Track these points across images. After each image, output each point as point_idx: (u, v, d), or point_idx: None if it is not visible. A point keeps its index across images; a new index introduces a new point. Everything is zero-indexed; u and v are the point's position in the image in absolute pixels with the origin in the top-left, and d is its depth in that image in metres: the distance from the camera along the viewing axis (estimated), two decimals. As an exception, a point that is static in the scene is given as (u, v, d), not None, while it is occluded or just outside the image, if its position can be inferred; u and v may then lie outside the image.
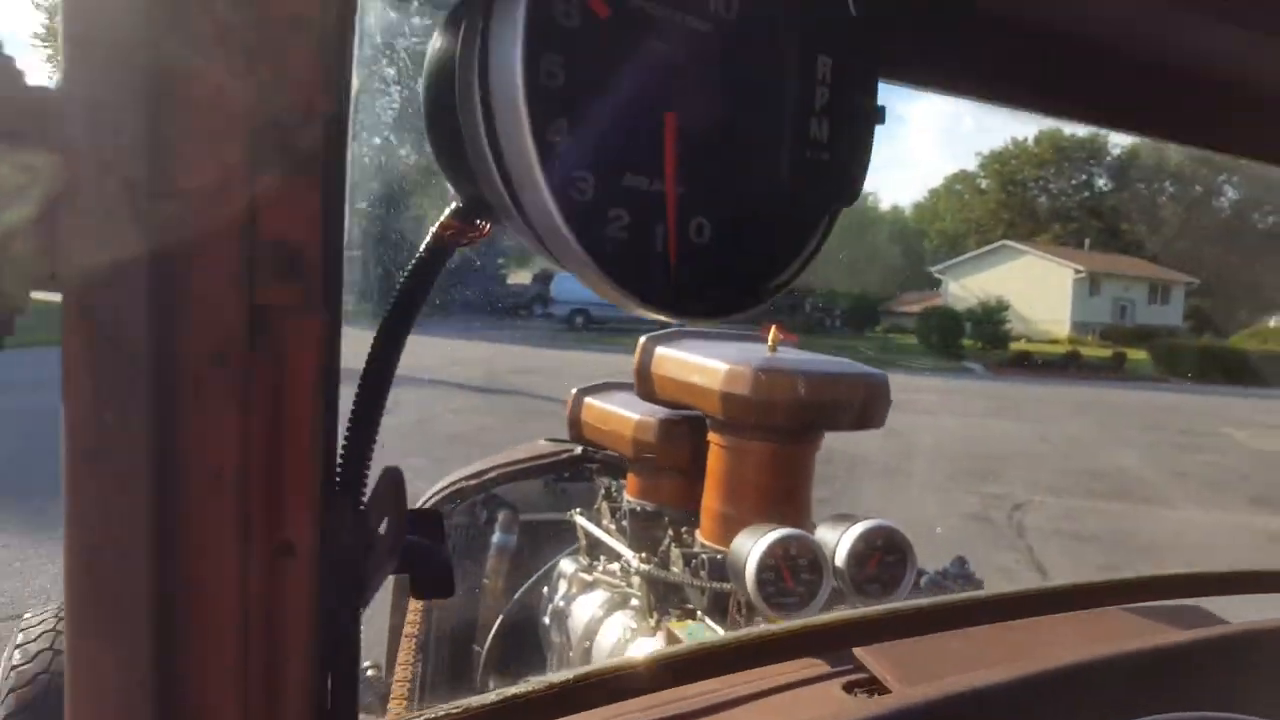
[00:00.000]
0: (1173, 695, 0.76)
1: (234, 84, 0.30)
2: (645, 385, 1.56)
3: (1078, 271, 37.32)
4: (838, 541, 1.09)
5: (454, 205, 0.43)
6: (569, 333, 30.49)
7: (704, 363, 1.33)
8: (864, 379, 1.33)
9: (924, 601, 0.92)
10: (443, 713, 0.68)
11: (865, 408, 1.32)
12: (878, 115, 0.34)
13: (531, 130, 0.30)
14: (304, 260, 0.33)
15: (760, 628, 0.91)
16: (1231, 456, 11.42)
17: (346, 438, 0.40)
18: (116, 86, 0.29)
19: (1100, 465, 10.30)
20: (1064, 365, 25.23)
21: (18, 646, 1.69)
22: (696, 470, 1.48)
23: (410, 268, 0.43)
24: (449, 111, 0.36)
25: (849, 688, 0.82)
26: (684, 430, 1.49)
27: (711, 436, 1.38)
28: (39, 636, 1.72)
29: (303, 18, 0.30)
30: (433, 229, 0.44)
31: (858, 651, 0.84)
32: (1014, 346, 27.57)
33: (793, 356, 1.37)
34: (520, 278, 47.36)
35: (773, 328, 1.41)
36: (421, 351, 20.88)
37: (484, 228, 0.43)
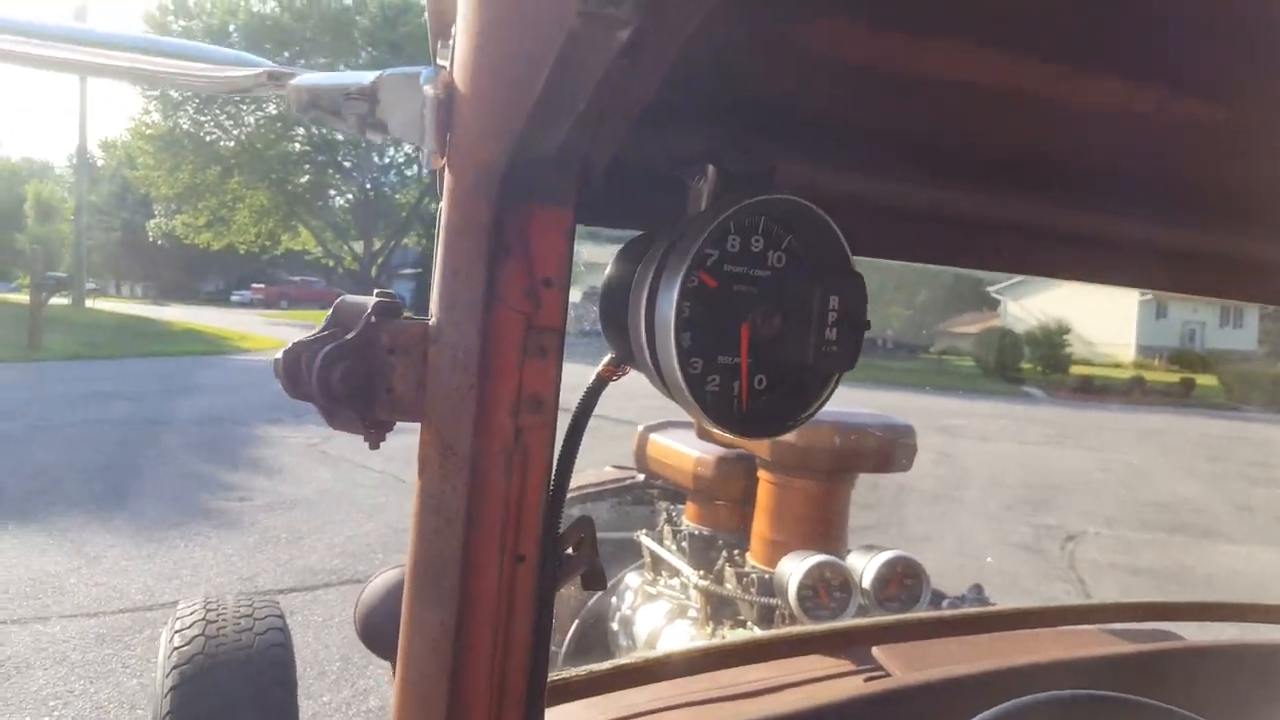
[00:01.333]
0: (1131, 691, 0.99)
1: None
2: (704, 426, 1.84)
3: (1143, 293, 36.46)
4: (864, 567, 1.35)
5: (610, 356, 0.71)
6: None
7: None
8: (891, 429, 1.59)
9: (933, 613, 1.18)
10: (569, 675, 0.95)
11: (892, 454, 1.57)
12: (866, 325, 0.61)
13: (675, 339, 0.57)
14: (544, 403, 0.62)
15: (801, 627, 1.17)
16: (1309, 493, 11.18)
17: (550, 497, 0.67)
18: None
19: (1162, 496, 10.19)
20: (1128, 390, 24.70)
21: (176, 632, 2.01)
22: (747, 501, 1.74)
23: (582, 397, 0.70)
24: (621, 308, 0.65)
25: (867, 678, 1.08)
26: (738, 467, 1.75)
27: (761, 474, 1.65)
28: (193, 624, 2.03)
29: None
30: (598, 370, 0.71)
31: (875, 650, 1.09)
32: (1075, 370, 27.01)
33: (832, 409, 1.63)
34: (571, 296, 48.07)
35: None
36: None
37: (627, 370, 0.71)
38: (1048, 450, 12.88)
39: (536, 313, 0.62)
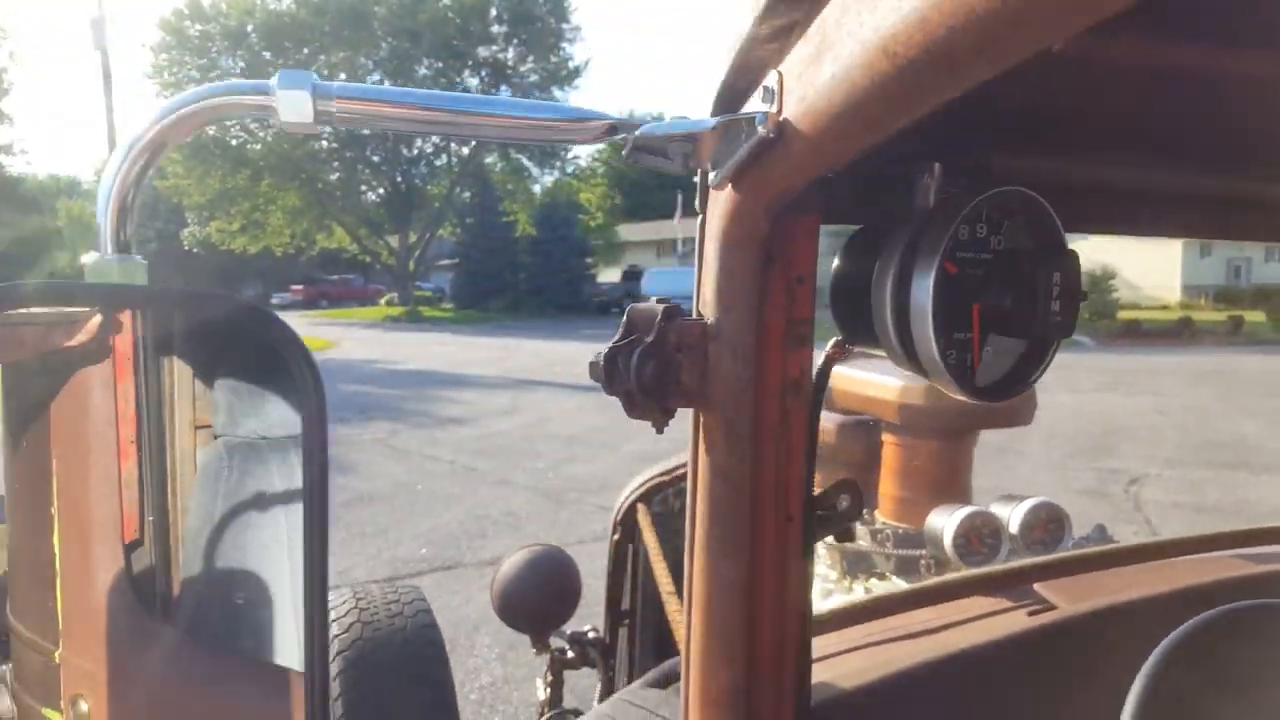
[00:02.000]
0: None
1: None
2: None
3: (1188, 232, 35.44)
4: (1010, 514, 1.45)
5: (836, 339, 0.81)
6: (662, 327, 30.93)
7: (881, 380, 1.69)
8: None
9: (1087, 549, 1.27)
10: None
11: (1018, 410, 1.67)
12: (1083, 295, 0.70)
13: (933, 323, 0.67)
14: (802, 386, 0.73)
15: (963, 572, 1.27)
16: (1361, 421, 11.00)
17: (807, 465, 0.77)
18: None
19: (1220, 435, 10.10)
20: (1177, 333, 24.27)
21: (334, 620, 2.16)
22: (869, 462, 1.84)
23: (815, 378, 0.80)
24: (854, 296, 0.75)
25: (1031, 612, 1.18)
26: (859, 432, 1.85)
27: (887, 438, 1.75)
28: (346, 613, 2.19)
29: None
30: (825, 352, 0.81)
31: (1037, 586, 1.19)
32: (1123, 315, 26.55)
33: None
34: (609, 275, 48.20)
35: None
36: (522, 354, 21.70)
37: (852, 350, 0.81)
38: (1103, 397, 12.77)
39: (793, 307, 0.72)
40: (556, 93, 41.22)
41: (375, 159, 39.65)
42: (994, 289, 0.71)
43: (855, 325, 0.77)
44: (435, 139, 42.10)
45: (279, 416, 0.88)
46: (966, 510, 1.44)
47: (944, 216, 0.69)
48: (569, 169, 44.49)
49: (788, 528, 0.75)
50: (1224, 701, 0.84)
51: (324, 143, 37.61)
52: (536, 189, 44.74)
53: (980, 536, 1.42)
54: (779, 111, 0.55)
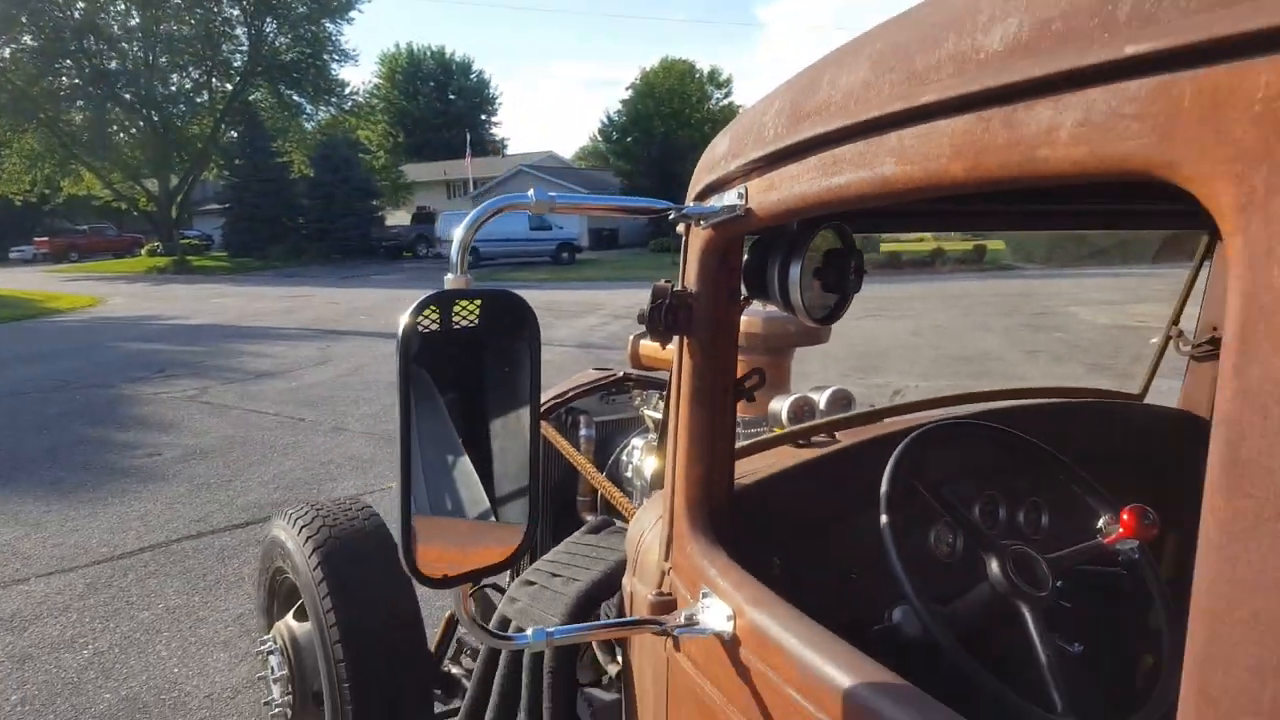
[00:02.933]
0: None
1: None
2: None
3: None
4: (820, 397, 2.21)
5: (745, 295, 1.46)
6: (459, 271, 30.70)
7: (745, 318, 2.42)
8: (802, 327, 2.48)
9: (862, 412, 2.02)
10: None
11: (819, 334, 2.45)
12: (864, 270, 1.39)
13: (800, 286, 1.33)
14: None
15: (795, 427, 2.01)
16: (1075, 333, 13.39)
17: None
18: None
19: (966, 351, 11.99)
20: (930, 261, 27.36)
21: (302, 529, 2.57)
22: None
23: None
24: (759, 273, 1.41)
25: (829, 444, 1.92)
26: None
27: (741, 356, 2.48)
28: (313, 521, 2.59)
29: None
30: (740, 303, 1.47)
31: (837, 433, 1.94)
32: (885, 248, 29.47)
33: (765, 309, 2.50)
34: (398, 218, 46.71)
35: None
36: (316, 304, 21.02)
37: (750, 301, 1.47)
38: (868, 323, 14.53)
39: (730, 281, 1.37)
40: (329, 25, 38.94)
41: (127, 96, 35.88)
42: (827, 269, 1.39)
43: (757, 288, 1.42)
44: (194, 74, 38.60)
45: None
46: (792, 396, 2.18)
47: (803, 233, 1.36)
48: (346, 105, 42.36)
49: (726, 397, 1.40)
50: (931, 481, 1.61)
51: (64, 79, 33.58)
52: (310, 127, 42.28)
53: (802, 412, 2.16)
54: (746, 203, 1.17)
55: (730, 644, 1.15)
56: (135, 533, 5.43)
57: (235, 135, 39.18)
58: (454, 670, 2.84)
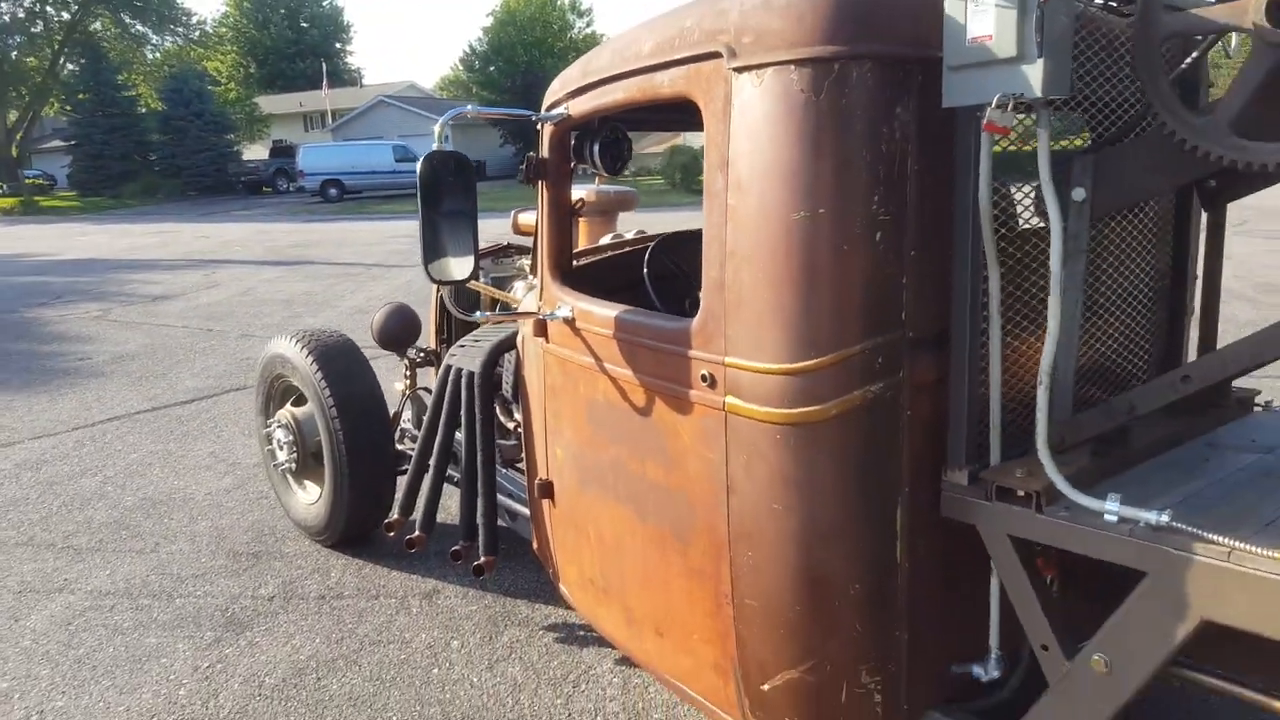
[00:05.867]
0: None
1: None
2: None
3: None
4: (627, 234, 3.68)
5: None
6: (325, 205, 30.80)
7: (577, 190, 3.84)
8: (622, 192, 3.95)
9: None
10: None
11: (631, 200, 3.93)
12: (628, 155, 2.81)
13: (602, 161, 2.74)
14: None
15: (615, 253, 3.46)
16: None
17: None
18: None
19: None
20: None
21: (303, 347, 3.86)
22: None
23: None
24: (580, 152, 2.82)
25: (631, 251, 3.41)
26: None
27: (582, 220, 3.90)
28: (309, 340, 3.90)
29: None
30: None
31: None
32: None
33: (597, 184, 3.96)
34: (257, 152, 45.27)
35: (597, 179, 3.93)
36: (185, 238, 21.22)
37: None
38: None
39: (565, 163, 2.77)
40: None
41: (-52, 24, 33.24)
42: (609, 145, 2.78)
43: (578, 156, 2.82)
44: (26, 1, 36.02)
45: None
46: (611, 235, 3.66)
47: (599, 127, 2.75)
48: (193, 34, 40.47)
49: (565, 214, 2.79)
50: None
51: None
52: (154, 57, 40.20)
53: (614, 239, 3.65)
54: (568, 112, 2.54)
55: (570, 322, 2.58)
56: (98, 410, 6.46)
57: (77, 68, 36.98)
58: (399, 448, 4.18)
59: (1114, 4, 1.94)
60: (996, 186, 1.81)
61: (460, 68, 52.74)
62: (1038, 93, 1.54)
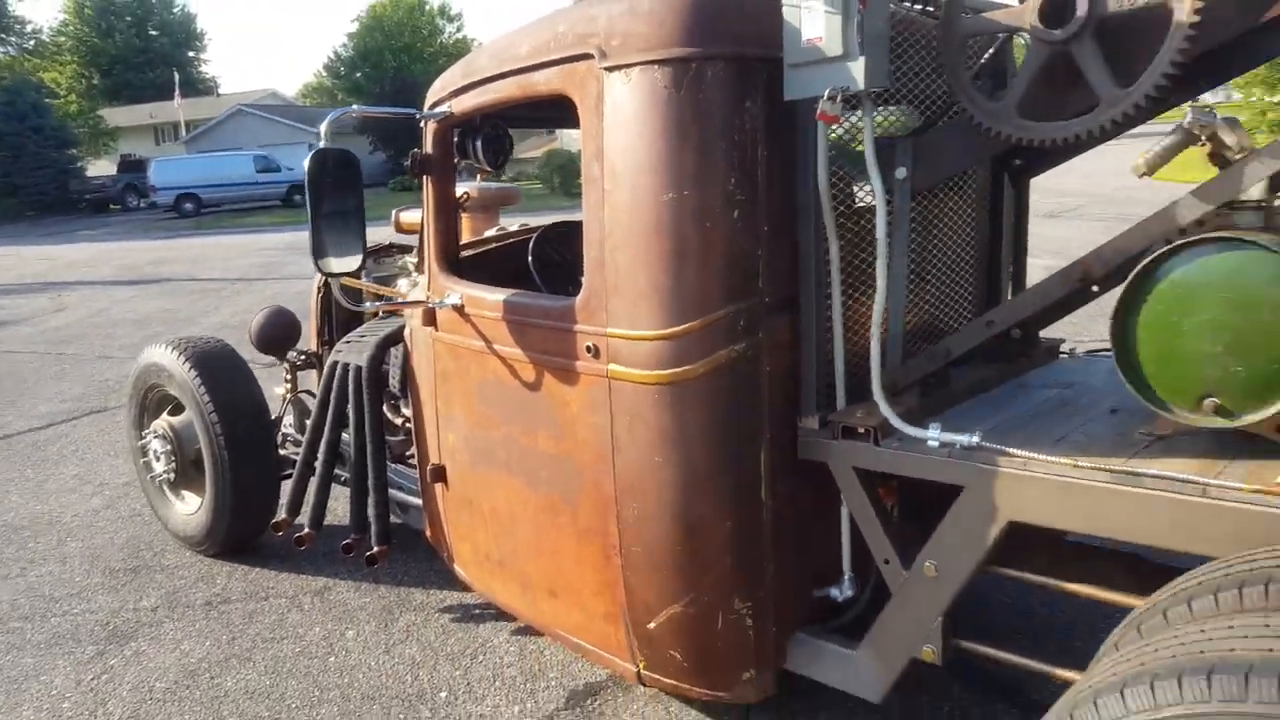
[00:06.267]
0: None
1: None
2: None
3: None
4: (511, 225, 3.84)
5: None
6: (181, 220, 29.24)
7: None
8: (504, 188, 4.09)
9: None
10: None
11: (511, 196, 4.09)
12: (508, 150, 2.99)
13: (486, 157, 2.90)
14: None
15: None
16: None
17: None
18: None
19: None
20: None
21: (179, 354, 3.82)
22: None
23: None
24: (463, 149, 2.97)
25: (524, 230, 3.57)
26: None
27: (465, 217, 4.05)
28: (188, 348, 3.85)
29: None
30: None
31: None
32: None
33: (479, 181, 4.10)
34: (101, 168, 42.44)
35: (479, 176, 4.07)
36: (30, 261, 19.88)
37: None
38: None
39: (448, 157, 2.91)
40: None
41: None
42: (491, 141, 2.94)
43: (461, 152, 2.95)
44: None
45: None
46: (497, 228, 3.81)
47: (480, 124, 2.91)
48: (28, 43, 37.74)
49: (451, 207, 2.92)
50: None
51: None
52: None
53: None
54: (451, 110, 2.69)
55: (460, 309, 2.71)
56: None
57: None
58: (282, 453, 4.17)
59: (928, 8, 2.26)
60: (835, 170, 2.10)
61: (325, 74, 51.25)
62: (861, 85, 1.82)
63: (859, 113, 1.95)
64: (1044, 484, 1.77)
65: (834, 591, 2.30)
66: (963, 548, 1.91)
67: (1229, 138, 1.65)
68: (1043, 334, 2.66)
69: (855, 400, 2.14)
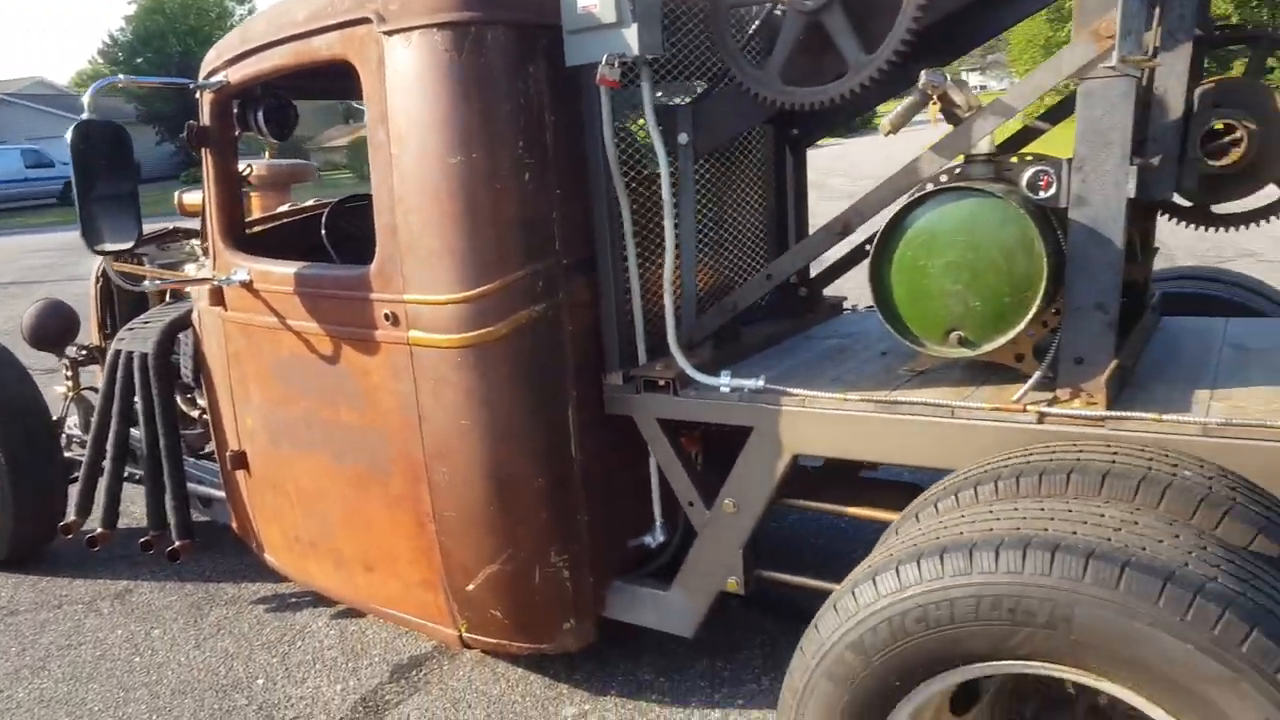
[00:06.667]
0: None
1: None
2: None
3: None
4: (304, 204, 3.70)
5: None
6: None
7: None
8: (297, 163, 3.92)
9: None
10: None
11: (303, 173, 3.92)
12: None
13: (268, 129, 2.77)
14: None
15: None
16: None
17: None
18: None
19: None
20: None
21: None
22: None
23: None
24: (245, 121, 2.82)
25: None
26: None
27: (253, 194, 3.83)
28: None
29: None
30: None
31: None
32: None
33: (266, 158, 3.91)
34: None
35: (267, 152, 3.86)
36: None
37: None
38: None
39: (228, 129, 2.77)
40: None
41: None
42: (274, 112, 2.82)
43: (242, 124, 2.80)
44: None
45: None
46: (288, 205, 3.65)
47: (261, 95, 2.77)
48: None
49: (233, 181, 2.78)
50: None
51: None
52: None
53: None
54: (228, 80, 2.55)
55: (249, 285, 2.60)
56: None
57: None
58: (68, 455, 3.84)
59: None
60: (624, 137, 2.18)
61: (100, 60, 46.52)
62: (635, 51, 1.91)
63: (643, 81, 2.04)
64: (820, 418, 1.94)
65: (647, 539, 2.42)
66: (756, 483, 2.06)
67: (958, 97, 1.86)
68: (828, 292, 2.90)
69: (656, 356, 2.24)
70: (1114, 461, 1.49)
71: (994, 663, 1.34)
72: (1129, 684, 1.26)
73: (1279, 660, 1.17)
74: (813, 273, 2.92)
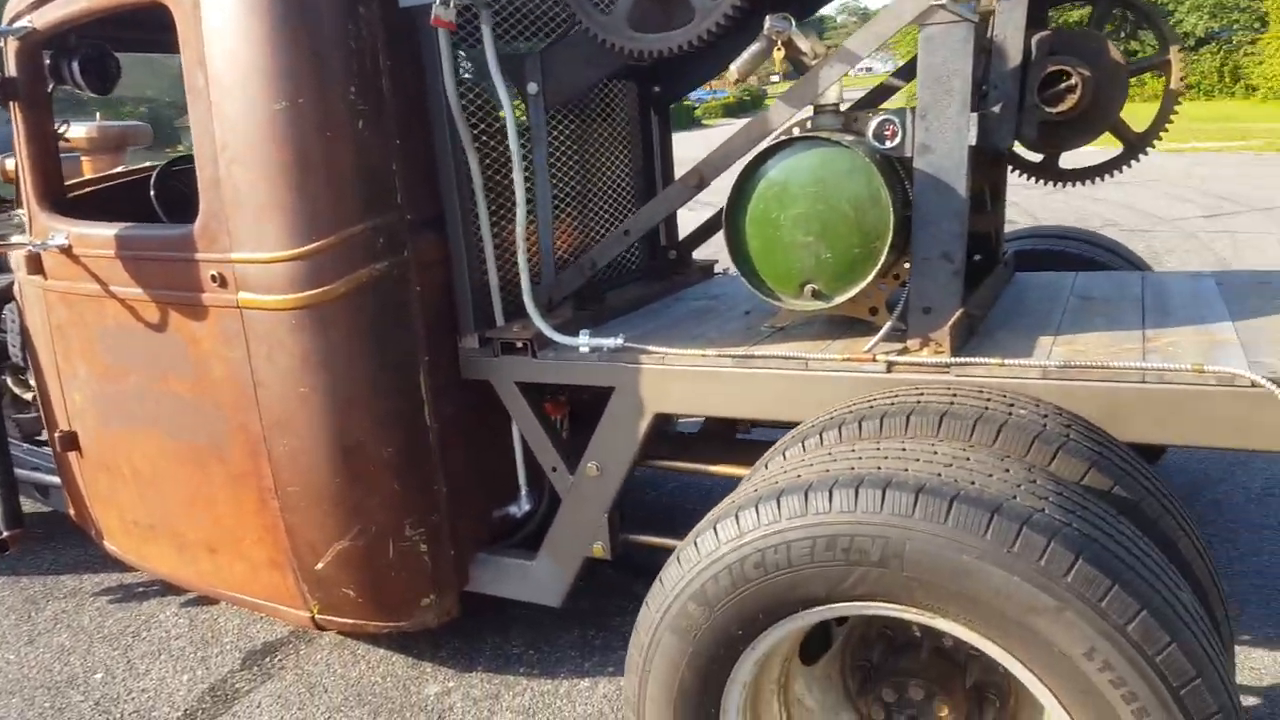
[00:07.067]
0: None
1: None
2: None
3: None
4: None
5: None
6: None
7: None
8: (134, 126, 3.64)
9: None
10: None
11: (138, 135, 3.65)
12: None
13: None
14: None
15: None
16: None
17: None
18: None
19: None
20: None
21: None
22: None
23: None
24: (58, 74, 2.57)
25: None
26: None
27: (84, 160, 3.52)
28: None
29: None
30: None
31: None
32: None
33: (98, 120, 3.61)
34: None
35: (99, 115, 3.56)
36: None
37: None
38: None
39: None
40: None
41: None
42: (93, 62, 2.59)
43: (55, 76, 2.56)
44: None
45: None
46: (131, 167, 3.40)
47: (78, 44, 2.54)
48: None
49: (49, 139, 2.54)
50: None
51: None
52: None
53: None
54: (34, 25, 2.32)
55: (67, 250, 2.37)
56: None
57: None
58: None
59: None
60: (470, 86, 2.07)
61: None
62: (471, -11, 1.80)
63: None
64: (680, 375, 1.90)
65: (513, 508, 2.33)
66: (619, 444, 2.01)
67: (803, 44, 1.83)
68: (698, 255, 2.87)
69: (514, 318, 2.15)
70: (952, 403, 1.50)
71: (832, 605, 1.33)
72: (962, 620, 1.26)
73: (1103, 588, 1.19)
74: (681, 236, 2.88)
